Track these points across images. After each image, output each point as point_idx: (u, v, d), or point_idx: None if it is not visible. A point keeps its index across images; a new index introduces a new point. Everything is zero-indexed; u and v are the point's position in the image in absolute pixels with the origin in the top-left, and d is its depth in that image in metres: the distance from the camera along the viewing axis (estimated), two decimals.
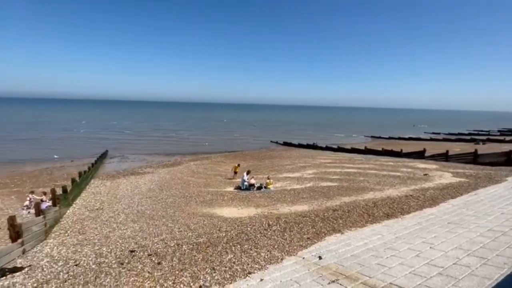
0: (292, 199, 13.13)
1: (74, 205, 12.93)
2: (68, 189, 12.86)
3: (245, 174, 16.40)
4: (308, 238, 8.09)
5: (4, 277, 6.17)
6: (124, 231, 9.42)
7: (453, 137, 53.91)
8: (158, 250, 7.55)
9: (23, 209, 12.77)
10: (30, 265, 6.80)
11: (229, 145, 43.44)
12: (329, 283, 5.10)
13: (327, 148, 38.31)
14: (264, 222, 9.64)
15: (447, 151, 25.22)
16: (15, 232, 7.59)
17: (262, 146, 43.10)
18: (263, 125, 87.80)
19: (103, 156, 29.27)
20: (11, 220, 7.60)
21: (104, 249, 7.79)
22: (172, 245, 7.93)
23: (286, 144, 45.04)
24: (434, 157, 25.68)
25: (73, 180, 14.55)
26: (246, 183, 15.91)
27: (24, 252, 7.57)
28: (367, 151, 32.65)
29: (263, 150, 39.12)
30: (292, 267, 6.07)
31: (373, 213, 10.21)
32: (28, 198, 13.19)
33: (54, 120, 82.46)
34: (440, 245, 6.29)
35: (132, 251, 7.56)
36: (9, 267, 6.63)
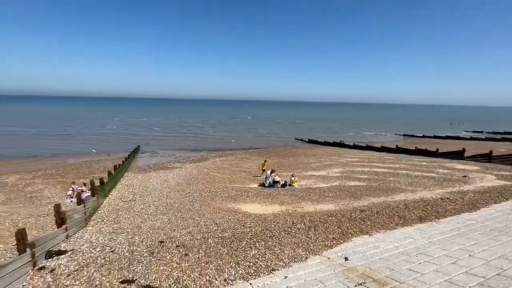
0: (317, 198, 12.97)
1: (110, 196, 13.92)
2: (105, 181, 13.84)
3: (268, 172, 16.46)
4: (333, 238, 7.94)
5: (51, 259, 6.84)
6: (154, 222, 9.95)
7: (498, 136, 49.01)
8: (186, 242, 7.87)
9: (66, 198, 14.02)
10: (72, 249, 7.46)
11: (253, 142, 43.71)
12: (355, 286, 4.97)
13: (355, 147, 36.98)
14: (288, 220, 9.62)
15: (491, 151, 23.06)
16: (60, 218, 8.36)
17: (286, 144, 42.78)
18: (288, 122, 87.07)
19: (135, 151, 31.04)
20: (57, 207, 8.38)
21: (136, 238, 8.31)
22: (199, 237, 8.22)
23: (311, 141, 44.24)
24: (475, 158, 23.64)
25: (109, 173, 15.64)
26: (270, 180, 15.93)
27: (67, 237, 8.33)
28: (398, 150, 30.99)
29: (287, 147, 38.85)
30: (316, 267, 6.00)
31: (404, 215, 9.70)
32: (70, 188, 14.44)
33: (88, 117, 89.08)
34: (481, 253, 5.81)
35: (161, 242, 7.96)
36: (55, 250, 7.33)
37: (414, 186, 14.57)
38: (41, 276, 5.98)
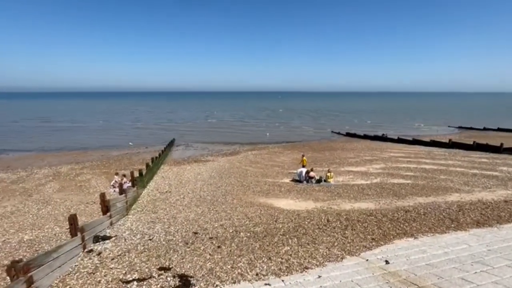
0: (355, 195, 12.62)
1: (148, 187, 15.02)
2: (143, 172, 14.94)
3: (302, 168, 16.29)
4: (373, 239, 7.68)
5: (98, 243, 7.65)
6: (189, 213, 10.51)
7: None
8: (218, 235, 8.20)
9: (110, 187, 15.45)
10: (116, 235, 8.25)
11: (287, 136, 43.33)
12: None
13: (400, 140, 34.58)
14: (323, 217, 9.51)
15: None
16: (105, 206, 9.28)
17: (322, 137, 41.67)
18: (324, 114, 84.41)
19: (170, 144, 32.86)
20: (102, 196, 9.30)
21: (172, 228, 8.88)
22: (231, 231, 8.50)
23: (349, 135, 42.48)
24: None
25: (147, 165, 16.84)
26: (304, 175, 15.76)
27: (111, 224, 9.22)
28: (452, 145, 28.22)
29: (323, 141, 37.86)
30: (353, 268, 5.82)
31: (458, 218, 8.91)
32: (114, 179, 15.86)
33: (121, 111, 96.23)
34: None
35: (195, 233, 8.40)
36: (101, 235, 8.18)
37: (471, 186, 13.24)
38: (90, 258, 6.73)
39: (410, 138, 34.25)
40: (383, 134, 38.98)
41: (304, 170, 16.02)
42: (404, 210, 10.14)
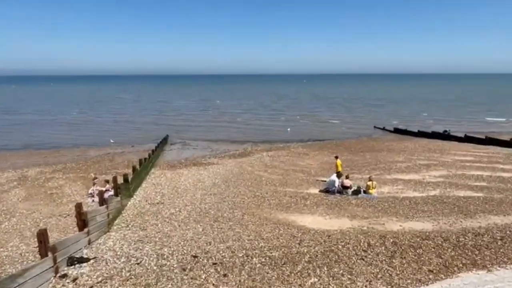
0: (405, 212, 12.56)
1: (135, 197, 15.42)
2: (129, 178, 15.31)
3: (334, 175, 16.24)
4: (430, 271, 7.61)
5: (73, 266, 7.93)
6: (186, 231, 10.70)
7: None
8: (224, 260, 8.29)
9: (88, 196, 15.95)
10: (95, 257, 8.52)
11: (313, 132, 43.16)
12: None
13: (468, 139, 33.64)
14: (363, 241, 9.48)
15: None
16: (81, 220, 9.58)
17: (361, 134, 41.22)
18: (362, 103, 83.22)
19: (163, 143, 33.52)
20: (78, 207, 9.60)
21: (165, 250, 9.06)
22: (241, 255, 8.58)
23: (398, 131, 41.80)
24: None
25: (134, 169, 17.27)
26: (337, 185, 15.71)
27: (89, 242, 9.52)
28: None
29: (362, 139, 37.46)
30: None
31: None
32: (93, 185, 16.35)
33: (100, 99, 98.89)
34: None
35: (194, 256, 8.54)
36: (77, 256, 8.46)
37: None
38: (63, 285, 6.99)
39: (483, 136, 33.25)
40: (445, 131, 37.99)
41: (337, 180, 15.95)
42: (473, 233, 9.99)
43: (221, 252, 8.84)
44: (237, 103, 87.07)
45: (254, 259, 8.31)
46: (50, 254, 7.34)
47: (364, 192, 15.27)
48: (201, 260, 8.31)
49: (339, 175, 16.29)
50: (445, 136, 36.42)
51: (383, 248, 8.89)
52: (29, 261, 8.65)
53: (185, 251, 8.96)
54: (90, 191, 16.30)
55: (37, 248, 7.72)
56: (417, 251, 8.67)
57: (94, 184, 16.47)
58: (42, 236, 7.29)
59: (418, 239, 9.48)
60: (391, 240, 9.42)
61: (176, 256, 8.57)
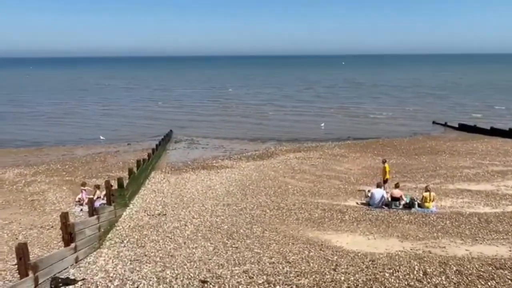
0: (473, 232, 12.38)
1: (131, 206, 15.71)
2: (125, 183, 15.62)
3: (382, 185, 16.32)
4: None
5: None
6: (193, 250, 10.79)
7: None
8: (240, 287, 8.31)
9: (75, 204, 16.42)
10: (83, 279, 8.73)
11: (353, 129, 42.86)
12: None
13: None
14: (417, 268, 9.35)
15: None
16: (68, 233, 9.83)
17: (415, 131, 40.76)
18: (415, 92, 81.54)
19: (166, 140, 33.97)
20: (64, 218, 9.84)
21: (168, 272, 9.17)
22: (260, 281, 8.58)
23: (464, 128, 40.99)
24: None
25: (130, 172, 17.59)
26: (384, 197, 15.63)
27: (77, 260, 9.76)
28: None
29: (417, 137, 36.99)
30: None
31: None
32: (81, 191, 16.80)
33: (86, 87, 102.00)
34: None
35: (203, 282, 8.60)
36: (62, 277, 8.70)
37: None
38: None
39: None
40: None
41: (384, 192, 15.92)
42: None
43: (236, 277, 8.85)
44: (255, 92, 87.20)
45: (278, 287, 8.30)
46: (31, 274, 7.54)
47: (419, 205, 15.16)
48: (211, 286, 8.36)
49: (389, 185, 16.17)
50: None
51: (443, 278, 8.74)
52: (6, 281, 8.91)
53: (191, 274, 9.03)
54: (77, 198, 16.79)
55: (16, 266, 7.97)
56: (489, 283, 8.47)
57: (83, 190, 16.98)
58: (21, 252, 7.51)
59: (490, 268, 9.29)
60: (454, 269, 9.25)
61: (181, 281, 8.66)
